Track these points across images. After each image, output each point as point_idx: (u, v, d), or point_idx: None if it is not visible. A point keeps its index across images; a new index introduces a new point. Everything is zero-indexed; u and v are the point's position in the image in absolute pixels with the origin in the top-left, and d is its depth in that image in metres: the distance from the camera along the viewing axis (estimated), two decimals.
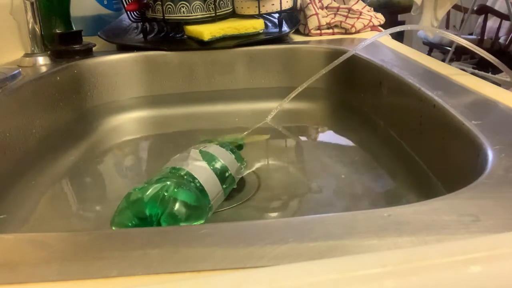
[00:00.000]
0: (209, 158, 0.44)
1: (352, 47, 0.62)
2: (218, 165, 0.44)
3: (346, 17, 0.92)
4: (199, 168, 0.42)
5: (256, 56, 0.79)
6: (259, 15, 0.84)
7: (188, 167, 0.42)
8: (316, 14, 0.88)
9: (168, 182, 0.38)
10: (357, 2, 0.97)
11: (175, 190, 0.37)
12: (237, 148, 0.50)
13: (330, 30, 0.90)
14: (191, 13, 0.79)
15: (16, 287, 0.22)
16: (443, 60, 2.50)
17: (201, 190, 0.40)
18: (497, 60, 0.55)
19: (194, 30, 0.79)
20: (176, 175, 0.41)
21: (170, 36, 0.87)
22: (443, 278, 0.18)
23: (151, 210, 0.36)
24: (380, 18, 0.94)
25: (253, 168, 0.55)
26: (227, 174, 0.45)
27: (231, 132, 0.71)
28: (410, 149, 0.53)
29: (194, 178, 0.41)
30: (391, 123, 0.60)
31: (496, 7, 2.82)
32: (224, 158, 0.45)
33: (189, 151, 0.45)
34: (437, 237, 0.24)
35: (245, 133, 0.60)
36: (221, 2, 0.81)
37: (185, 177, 0.41)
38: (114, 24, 0.94)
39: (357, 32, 0.90)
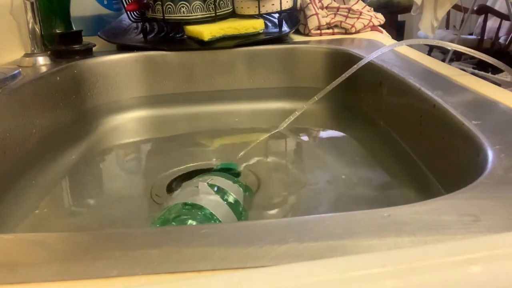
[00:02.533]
0: (220, 192, 0.41)
1: (368, 54, 0.61)
2: (231, 199, 0.41)
3: (346, 17, 0.92)
4: (214, 203, 0.39)
5: (256, 56, 0.79)
6: (259, 15, 0.84)
7: (202, 202, 0.38)
8: (316, 14, 0.88)
9: (189, 221, 0.34)
10: (357, 2, 0.97)
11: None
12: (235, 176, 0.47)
13: (330, 30, 0.90)
14: (191, 13, 0.79)
15: (16, 287, 0.22)
16: (443, 60, 2.49)
17: None
18: (496, 60, 0.55)
19: (194, 30, 0.79)
20: (192, 212, 0.37)
21: (170, 36, 0.87)
22: (443, 278, 0.18)
23: None
24: (380, 18, 0.94)
25: (253, 169, 0.55)
26: (240, 209, 0.41)
27: (231, 132, 0.71)
28: (410, 149, 0.53)
29: (212, 214, 0.37)
30: (391, 123, 0.60)
31: (496, 7, 2.82)
32: (233, 191, 0.42)
33: (197, 185, 0.41)
34: (437, 237, 0.24)
35: (242, 152, 0.58)
36: (221, 2, 0.81)
37: (202, 213, 0.37)
38: (114, 24, 0.94)
39: (357, 32, 0.90)
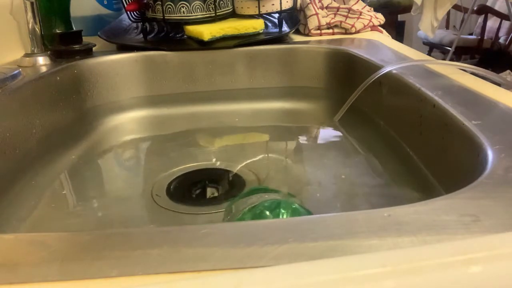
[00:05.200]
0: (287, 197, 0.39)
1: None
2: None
3: (346, 17, 0.92)
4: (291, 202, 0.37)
5: (256, 56, 0.79)
6: (259, 15, 0.84)
7: (288, 200, 0.36)
8: (316, 14, 0.88)
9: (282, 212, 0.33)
10: (357, 2, 0.97)
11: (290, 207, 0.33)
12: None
13: (330, 30, 0.90)
14: (191, 13, 0.79)
15: (16, 287, 0.22)
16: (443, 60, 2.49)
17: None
18: (488, 71, 0.54)
19: (194, 30, 0.79)
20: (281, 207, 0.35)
21: (170, 36, 0.87)
22: (443, 278, 0.18)
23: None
24: (380, 18, 0.94)
25: (253, 168, 0.55)
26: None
27: (231, 132, 0.71)
28: (410, 149, 0.53)
29: (301, 207, 0.35)
30: (391, 123, 0.60)
31: (496, 7, 2.82)
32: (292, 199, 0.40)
33: (250, 197, 0.39)
34: (437, 237, 0.24)
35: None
36: (221, 2, 0.81)
37: (288, 202, 0.35)
38: (114, 24, 0.94)
39: (357, 32, 0.90)
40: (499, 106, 0.44)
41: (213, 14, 0.80)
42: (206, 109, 0.78)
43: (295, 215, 0.34)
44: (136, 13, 0.85)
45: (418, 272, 0.18)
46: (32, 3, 0.68)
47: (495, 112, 0.44)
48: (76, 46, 0.75)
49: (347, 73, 0.75)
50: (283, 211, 0.33)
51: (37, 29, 0.69)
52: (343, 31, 0.90)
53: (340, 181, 0.52)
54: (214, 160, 0.59)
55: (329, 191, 0.50)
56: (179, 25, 0.85)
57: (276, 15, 0.87)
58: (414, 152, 0.52)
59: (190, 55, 0.79)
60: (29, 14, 0.68)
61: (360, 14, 0.92)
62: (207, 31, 0.76)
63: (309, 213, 0.35)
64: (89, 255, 0.24)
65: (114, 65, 0.76)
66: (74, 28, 0.81)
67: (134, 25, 0.93)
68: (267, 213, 0.33)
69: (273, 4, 0.82)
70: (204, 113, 0.77)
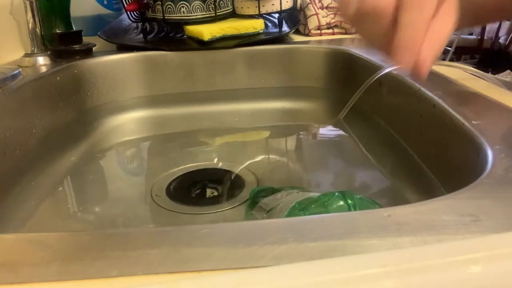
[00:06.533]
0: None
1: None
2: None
3: None
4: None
5: (256, 56, 0.79)
6: (259, 15, 0.84)
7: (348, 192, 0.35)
8: (316, 14, 0.88)
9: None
10: None
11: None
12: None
13: (330, 30, 0.90)
14: (191, 13, 0.79)
15: (16, 287, 0.22)
16: (443, 60, 2.49)
17: None
18: (487, 74, 0.54)
19: (194, 30, 0.79)
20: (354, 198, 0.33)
21: (170, 36, 0.87)
22: (443, 278, 0.18)
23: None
24: None
25: (252, 168, 0.55)
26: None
27: (231, 132, 0.71)
28: (410, 149, 0.53)
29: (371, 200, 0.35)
30: (391, 123, 0.60)
31: None
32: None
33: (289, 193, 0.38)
34: (437, 237, 0.24)
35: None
36: (221, 2, 0.81)
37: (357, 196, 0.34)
38: (114, 24, 0.94)
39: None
40: (499, 106, 0.44)
41: (213, 14, 0.80)
42: (206, 109, 0.78)
43: (364, 205, 0.33)
44: (136, 13, 0.85)
45: (418, 272, 0.18)
46: (32, 3, 0.68)
47: (495, 112, 0.44)
48: (76, 46, 0.75)
49: (347, 73, 0.75)
50: (350, 201, 0.33)
51: (37, 29, 0.69)
52: (343, 31, 0.90)
53: (340, 181, 0.52)
54: (214, 160, 0.59)
55: (328, 191, 0.50)
56: (179, 25, 0.85)
57: (276, 15, 0.87)
58: (414, 152, 0.52)
59: (190, 55, 0.79)
60: (29, 14, 0.68)
61: None
62: (207, 31, 0.76)
63: (375, 203, 0.34)
64: (89, 255, 0.24)
65: (114, 65, 0.76)
66: (74, 28, 0.81)
67: (134, 25, 0.93)
68: (341, 202, 0.32)
69: (273, 4, 0.82)
70: (204, 113, 0.77)
